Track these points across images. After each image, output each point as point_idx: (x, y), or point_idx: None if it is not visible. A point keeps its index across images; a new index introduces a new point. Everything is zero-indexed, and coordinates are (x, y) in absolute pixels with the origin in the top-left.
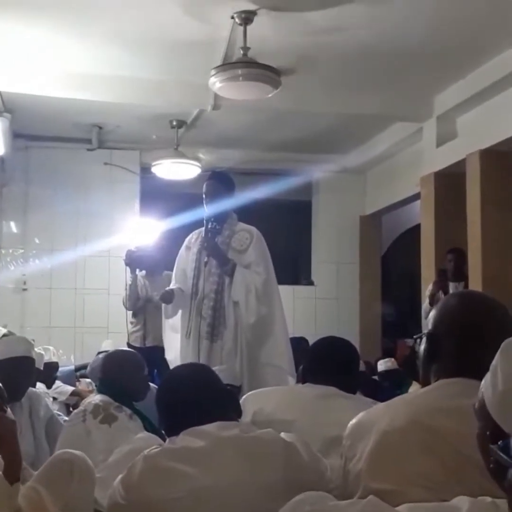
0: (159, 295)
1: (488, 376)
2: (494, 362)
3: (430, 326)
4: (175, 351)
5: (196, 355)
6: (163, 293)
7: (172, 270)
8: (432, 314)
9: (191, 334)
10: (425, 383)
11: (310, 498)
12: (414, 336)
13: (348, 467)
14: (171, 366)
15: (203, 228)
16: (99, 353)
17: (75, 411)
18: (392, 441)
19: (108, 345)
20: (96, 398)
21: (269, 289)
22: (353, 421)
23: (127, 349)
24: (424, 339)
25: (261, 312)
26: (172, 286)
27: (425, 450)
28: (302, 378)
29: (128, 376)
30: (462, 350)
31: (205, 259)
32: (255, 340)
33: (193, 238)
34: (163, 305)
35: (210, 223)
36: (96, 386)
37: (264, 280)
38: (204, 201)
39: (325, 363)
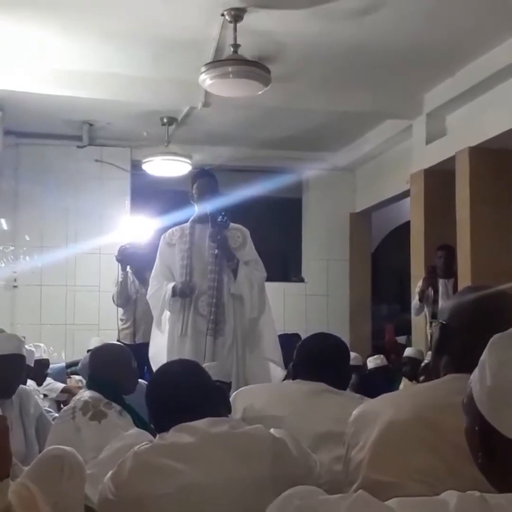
0: (175, 290)
1: (476, 372)
2: (482, 357)
3: (444, 317)
4: (155, 348)
5: (198, 353)
6: (183, 288)
7: None
8: (447, 305)
9: (188, 331)
10: (434, 373)
11: (299, 492)
12: (431, 320)
13: (350, 455)
14: (152, 362)
15: (188, 224)
16: (88, 351)
17: (64, 408)
18: (395, 433)
19: (96, 343)
20: (85, 394)
21: (264, 286)
22: (358, 409)
23: (115, 342)
24: (436, 329)
25: (261, 307)
26: (168, 283)
27: (426, 445)
28: (293, 374)
29: (116, 370)
30: (474, 345)
31: (216, 252)
32: (252, 334)
33: (175, 235)
34: (166, 299)
35: (221, 217)
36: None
37: (263, 277)
38: (200, 198)
39: (315, 359)
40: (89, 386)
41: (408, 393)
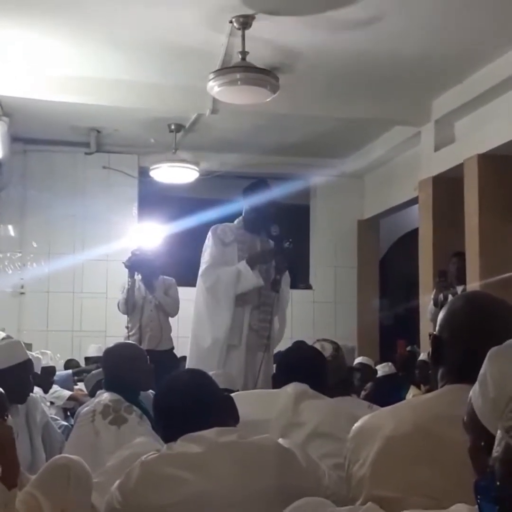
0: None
1: (476, 387)
2: (482, 371)
3: (436, 329)
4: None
5: (253, 366)
6: (263, 253)
7: (168, 275)
8: (439, 316)
9: (242, 344)
10: (435, 384)
11: (309, 504)
12: (429, 333)
13: (351, 471)
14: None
15: (237, 228)
16: (86, 358)
17: (84, 411)
18: (396, 448)
19: (94, 350)
20: (104, 397)
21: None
22: (358, 424)
23: (125, 341)
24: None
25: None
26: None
27: (429, 459)
28: (273, 386)
29: (133, 366)
30: (467, 354)
31: (277, 277)
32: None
33: (229, 236)
34: (241, 273)
35: (288, 243)
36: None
37: (288, 300)
38: (264, 210)
39: (293, 371)
40: (107, 387)
41: (407, 406)
